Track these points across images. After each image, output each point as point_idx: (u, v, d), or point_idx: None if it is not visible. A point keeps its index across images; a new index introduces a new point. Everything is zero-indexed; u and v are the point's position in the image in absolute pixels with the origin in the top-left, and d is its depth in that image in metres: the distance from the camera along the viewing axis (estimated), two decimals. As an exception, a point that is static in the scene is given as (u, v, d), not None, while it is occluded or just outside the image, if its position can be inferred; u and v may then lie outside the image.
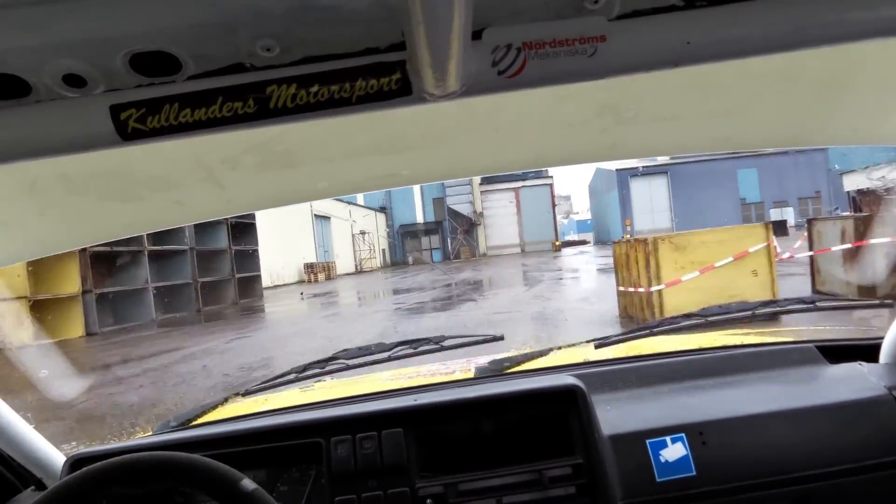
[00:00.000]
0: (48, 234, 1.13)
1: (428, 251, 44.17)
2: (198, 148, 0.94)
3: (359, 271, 38.72)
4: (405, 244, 45.11)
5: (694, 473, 1.11)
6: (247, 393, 1.63)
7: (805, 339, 1.53)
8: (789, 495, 1.12)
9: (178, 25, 0.56)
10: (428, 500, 1.10)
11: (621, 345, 1.63)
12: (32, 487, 1.30)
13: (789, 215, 34.13)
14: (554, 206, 43.80)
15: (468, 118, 0.98)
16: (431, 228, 45.09)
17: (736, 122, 1.09)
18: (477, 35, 0.61)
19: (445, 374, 1.77)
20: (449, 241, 43.64)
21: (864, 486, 1.12)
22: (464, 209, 43.68)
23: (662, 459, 1.13)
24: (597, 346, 1.57)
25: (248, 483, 0.85)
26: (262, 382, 1.59)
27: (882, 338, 1.35)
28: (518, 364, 1.59)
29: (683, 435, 1.15)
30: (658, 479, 1.11)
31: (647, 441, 1.15)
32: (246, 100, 0.62)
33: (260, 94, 0.62)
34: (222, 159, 1.00)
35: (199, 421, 1.54)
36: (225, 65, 0.61)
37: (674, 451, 1.13)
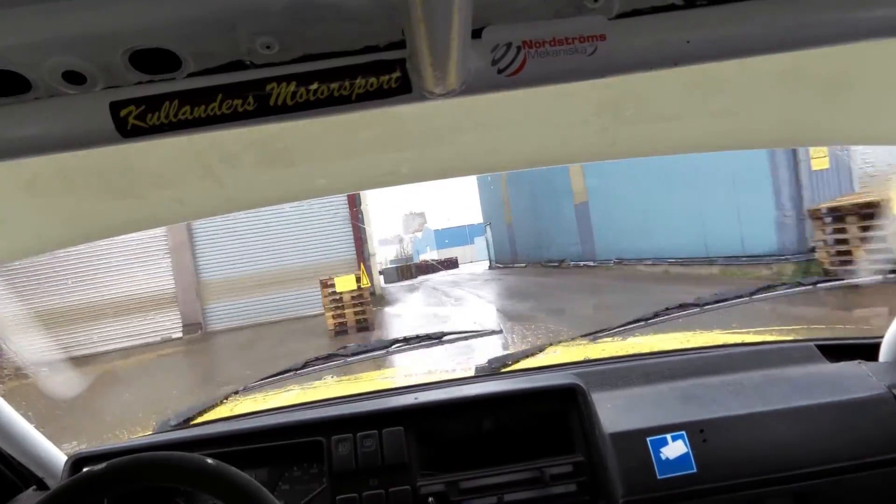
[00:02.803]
0: (47, 231, 1.13)
1: None
2: (197, 145, 0.94)
3: None
4: None
5: (695, 471, 1.12)
6: (246, 390, 1.63)
7: (805, 337, 1.54)
8: (789, 492, 1.12)
9: (178, 23, 0.56)
10: (430, 499, 1.10)
11: (622, 343, 1.63)
12: (34, 487, 1.30)
13: None
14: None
15: (468, 117, 0.98)
16: None
17: (736, 122, 1.08)
18: (477, 33, 0.61)
19: (446, 372, 1.77)
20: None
21: (863, 484, 1.12)
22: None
23: (663, 457, 1.13)
24: (595, 339, 1.58)
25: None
26: (261, 379, 1.60)
27: (882, 336, 1.35)
28: (518, 362, 1.59)
29: (684, 433, 1.15)
30: (659, 477, 1.11)
31: (648, 439, 1.15)
32: (245, 97, 0.62)
33: (260, 91, 0.62)
34: (222, 157, 1.00)
35: (200, 420, 1.54)
36: (224, 62, 0.61)
37: (675, 448, 1.14)
